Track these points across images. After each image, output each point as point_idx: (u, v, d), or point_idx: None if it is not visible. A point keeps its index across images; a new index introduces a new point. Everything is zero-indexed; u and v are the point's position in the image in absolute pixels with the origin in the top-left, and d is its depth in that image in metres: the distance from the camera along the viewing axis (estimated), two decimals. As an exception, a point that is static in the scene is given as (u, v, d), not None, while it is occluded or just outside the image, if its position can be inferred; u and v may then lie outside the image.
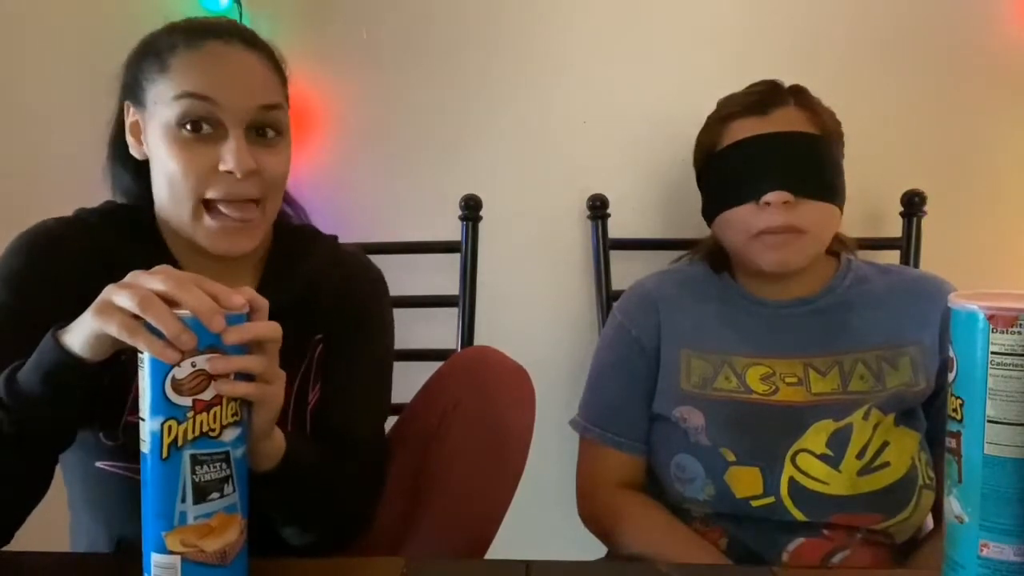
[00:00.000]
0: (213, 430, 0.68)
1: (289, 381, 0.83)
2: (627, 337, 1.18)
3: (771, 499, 1.04)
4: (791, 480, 1.03)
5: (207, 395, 0.68)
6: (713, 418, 1.08)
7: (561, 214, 1.51)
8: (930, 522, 1.12)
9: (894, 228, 1.46)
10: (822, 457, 1.04)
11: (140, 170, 0.96)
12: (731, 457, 1.05)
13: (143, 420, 0.68)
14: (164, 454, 0.67)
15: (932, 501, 1.06)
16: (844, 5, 1.47)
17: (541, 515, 1.39)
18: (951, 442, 0.70)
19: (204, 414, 0.68)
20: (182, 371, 0.67)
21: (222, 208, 0.88)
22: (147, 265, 0.77)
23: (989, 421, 0.66)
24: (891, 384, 1.07)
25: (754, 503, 1.04)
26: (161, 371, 0.67)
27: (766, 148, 1.11)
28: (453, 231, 1.46)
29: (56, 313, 0.79)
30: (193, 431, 0.68)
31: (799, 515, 1.03)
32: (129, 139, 0.93)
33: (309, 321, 0.97)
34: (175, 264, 0.91)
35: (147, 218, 0.95)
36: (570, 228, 1.51)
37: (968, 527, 0.68)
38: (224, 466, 0.69)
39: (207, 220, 0.88)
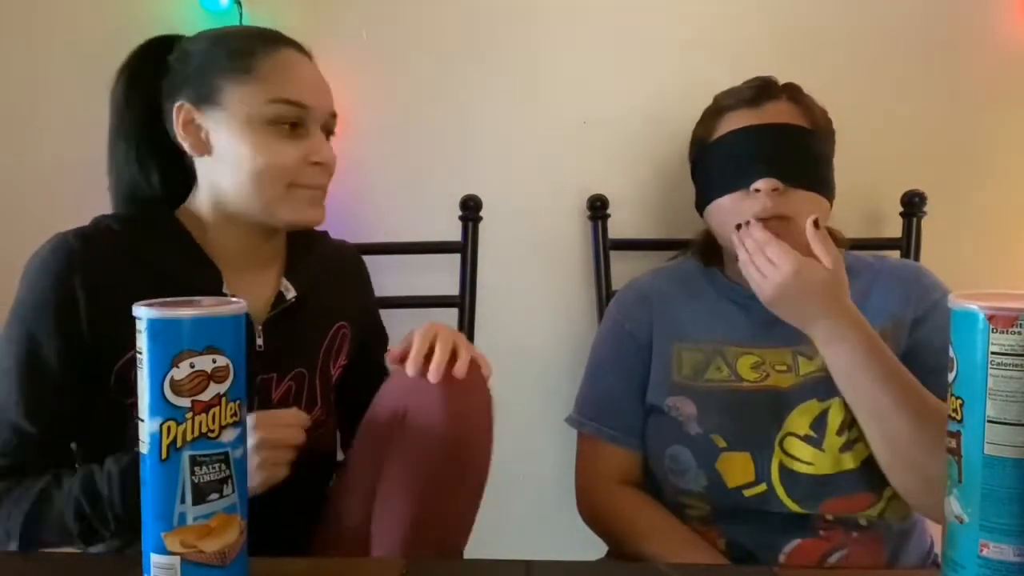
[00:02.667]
0: (212, 431, 0.68)
1: (313, 356, 1.07)
2: (622, 332, 1.20)
3: (763, 487, 1.04)
4: (781, 465, 1.05)
5: (206, 396, 0.68)
6: (704, 406, 1.09)
7: (561, 214, 1.51)
8: (930, 524, 1.12)
9: (894, 228, 1.46)
10: (806, 439, 1.05)
11: (160, 166, 1.03)
12: (722, 443, 1.07)
13: (142, 421, 0.68)
14: (163, 455, 0.67)
15: None
16: (844, 5, 1.47)
17: (541, 515, 1.39)
18: (951, 442, 0.69)
19: (203, 415, 0.68)
20: (181, 372, 0.67)
21: (305, 184, 0.99)
22: (181, 264, 0.97)
23: (989, 421, 0.66)
24: None
25: (746, 492, 1.05)
26: (160, 372, 0.67)
27: (757, 138, 1.12)
28: (453, 231, 1.46)
29: (95, 329, 0.93)
30: (192, 432, 0.68)
31: (791, 504, 1.04)
32: (181, 135, 0.99)
33: (328, 303, 1.10)
34: (207, 261, 1.00)
35: (168, 216, 1.02)
36: (570, 228, 1.51)
37: (968, 527, 0.68)
38: (223, 467, 0.69)
39: (293, 196, 0.99)
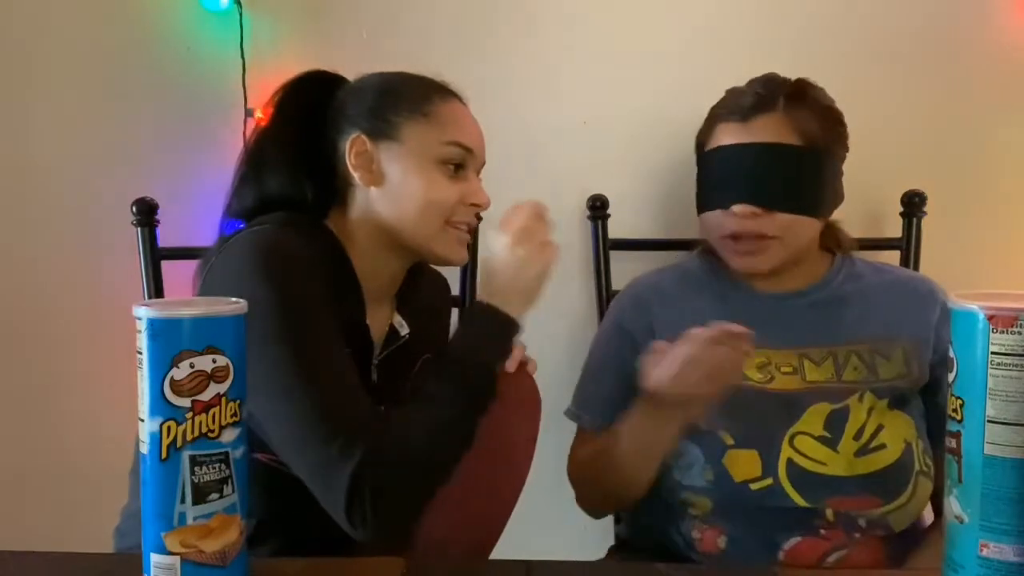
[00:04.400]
0: (212, 431, 0.68)
1: (405, 386, 1.03)
2: (621, 332, 1.21)
3: (769, 481, 1.04)
4: (789, 461, 1.04)
5: (206, 396, 0.68)
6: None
7: (561, 214, 1.50)
8: (928, 516, 1.12)
9: (894, 228, 1.46)
10: (820, 439, 1.05)
11: (311, 180, 1.03)
12: (729, 440, 1.07)
13: (142, 421, 0.68)
14: (163, 455, 0.67)
15: (929, 490, 1.07)
16: (845, 5, 1.47)
17: (541, 515, 1.38)
18: (951, 442, 0.70)
19: (203, 415, 0.68)
20: (181, 372, 0.67)
21: (458, 223, 1.04)
22: (337, 279, 0.97)
23: (989, 421, 0.66)
24: (885, 376, 1.09)
25: (753, 486, 1.05)
26: (160, 372, 0.67)
27: (739, 159, 1.12)
28: (453, 231, 1.46)
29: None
30: (192, 432, 0.68)
31: (798, 499, 1.04)
32: (353, 164, 1.02)
33: (425, 336, 1.11)
34: (357, 287, 1.01)
35: (331, 234, 1.02)
36: (570, 228, 1.51)
37: (968, 527, 0.68)
38: (223, 467, 0.69)
39: (447, 233, 1.03)
